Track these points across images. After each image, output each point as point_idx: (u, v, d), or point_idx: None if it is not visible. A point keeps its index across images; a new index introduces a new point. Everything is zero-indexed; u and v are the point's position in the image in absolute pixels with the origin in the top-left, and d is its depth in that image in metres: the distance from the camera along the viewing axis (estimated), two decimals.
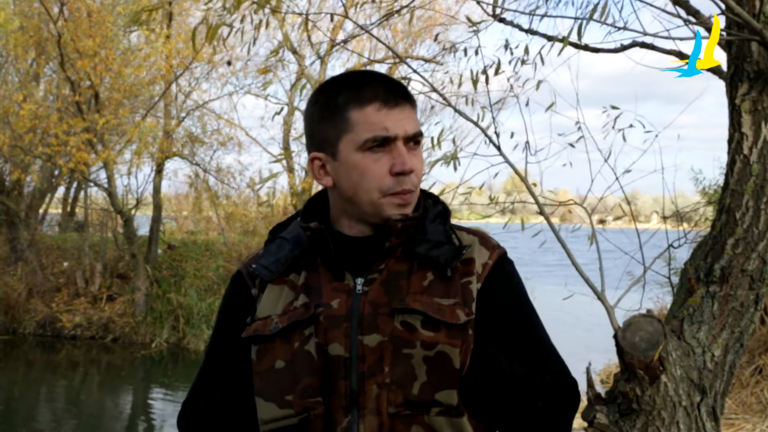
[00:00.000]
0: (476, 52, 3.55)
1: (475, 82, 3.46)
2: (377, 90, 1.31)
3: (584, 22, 2.84)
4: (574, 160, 3.57)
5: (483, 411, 1.30)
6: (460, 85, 3.94)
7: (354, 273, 1.32)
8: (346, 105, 1.31)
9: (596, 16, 2.78)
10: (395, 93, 1.32)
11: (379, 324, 1.26)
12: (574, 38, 2.97)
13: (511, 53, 3.50)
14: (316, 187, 1.59)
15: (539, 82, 3.53)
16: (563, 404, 1.36)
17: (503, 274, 1.38)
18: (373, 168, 1.30)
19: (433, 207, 1.40)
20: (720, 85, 2.41)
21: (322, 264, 1.34)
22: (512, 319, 1.37)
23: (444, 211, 1.41)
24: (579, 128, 3.41)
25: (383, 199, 1.30)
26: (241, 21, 3.12)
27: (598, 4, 2.76)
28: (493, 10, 3.23)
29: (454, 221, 1.45)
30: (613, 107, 3.52)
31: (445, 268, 1.31)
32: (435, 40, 13.97)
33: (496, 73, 3.45)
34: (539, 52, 3.48)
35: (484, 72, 3.45)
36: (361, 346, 1.25)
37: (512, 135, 3.42)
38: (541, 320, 1.43)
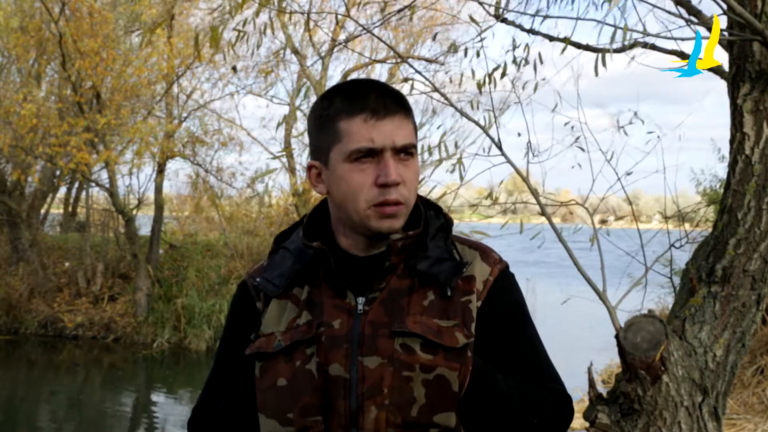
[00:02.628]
0: (477, 54, 3.55)
1: (480, 86, 3.46)
2: (367, 100, 1.30)
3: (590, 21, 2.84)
4: (577, 161, 3.57)
5: (480, 429, 1.32)
6: (460, 84, 3.94)
7: (356, 291, 1.32)
8: (337, 115, 1.31)
9: (591, 8, 2.78)
10: (386, 103, 1.31)
11: (378, 346, 1.27)
12: (564, 33, 2.98)
13: (514, 58, 3.50)
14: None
15: (537, 84, 3.54)
16: (558, 421, 1.38)
17: (503, 290, 1.38)
18: (359, 179, 1.30)
19: (434, 221, 1.40)
20: (719, 86, 2.41)
21: (324, 280, 1.35)
22: (510, 335, 1.37)
23: (446, 225, 1.40)
24: (573, 129, 3.42)
25: (369, 210, 1.30)
26: (244, 24, 3.13)
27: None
28: (496, 11, 3.23)
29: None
30: (635, 113, 3.54)
31: (445, 287, 1.31)
32: (434, 39, 14.00)
33: (503, 76, 3.45)
34: (539, 53, 3.49)
35: (490, 75, 3.46)
36: (361, 367, 1.26)
37: (519, 135, 3.42)
38: (539, 335, 1.43)
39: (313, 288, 1.35)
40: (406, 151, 1.31)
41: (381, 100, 1.31)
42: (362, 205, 1.30)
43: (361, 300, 1.31)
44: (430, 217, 1.40)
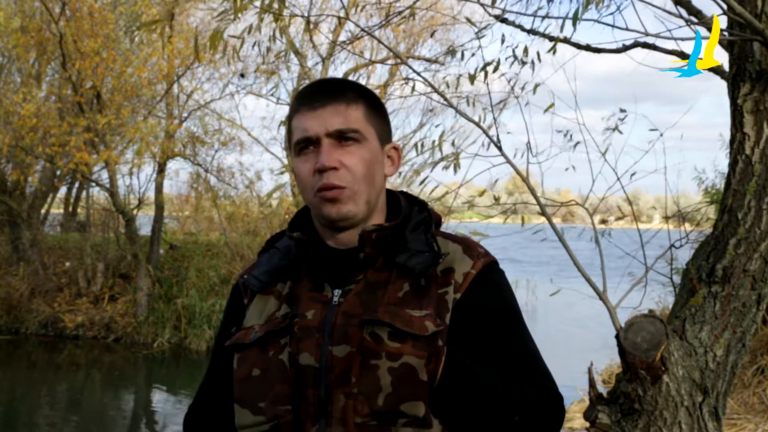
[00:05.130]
0: (473, 54, 3.56)
1: (472, 79, 3.46)
2: (306, 95, 1.37)
3: (580, 11, 2.84)
4: (576, 161, 3.57)
5: (457, 423, 1.30)
6: (457, 86, 3.95)
7: (334, 284, 1.34)
8: (290, 115, 1.40)
9: (592, 7, 2.79)
10: (322, 94, 1.35)
11: (349, 335, 1.27)
12: (565, 33, 2.98)
13: (514, 54, 3.50)
14: None
15: (536, 86, 3.54)
16: (544, 419, 1.35)
17: (487, 284, 1.35)
18: (303, 168, 1.35)
19: (417, 215, 1.41)
20: (717, 86, 2.41)
21: (305, 274, 1.37)
22: (495, 330, 1.35)
23: (428, 219, 1.41)
24: (579, 129, 3.41)
25: (315, 198, 1.34)
26: (250, 32, 3.14)
27: None
28: (492, 5, 3.23)
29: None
30: (622, 110, 3.53)
31: (419, 277, 1.31)
32: (432, 36, 13.99)
33: (495, 70, 3.46)
34: (537, 52, 3.50)
35: (483, 69, 3.46)
36: (330, 356, 1.27)
37: (509, 133, 3.43)
38: (529, 332, 1.40)
39: (295, 283, 1.38)
40: (346, 137, 1.33)
41: (319, 92, 1.36)
42: (310, 193, 1.35)
43: (337, 292, 1.33)
44: (413, 212, 1.41)
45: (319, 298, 1.33)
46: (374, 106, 1.39)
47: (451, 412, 1.29)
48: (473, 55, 3.55)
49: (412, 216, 1.40)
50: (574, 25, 2.89)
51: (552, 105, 3.31)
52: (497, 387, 1.31)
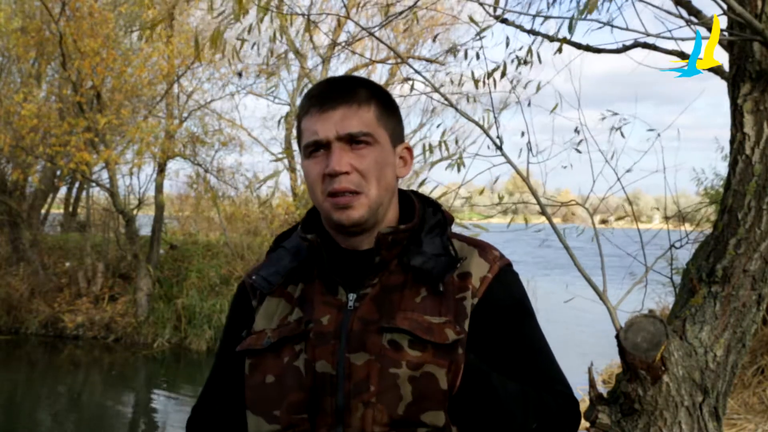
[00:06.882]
0: (477, 56, 3.56)
1: (477, 83, 3.47)
2: (317, 96, 1.33)
3: (575, 17, 2.83)
4: (576, 161, 3.57)
5: (475, 430, 1.29)
6: (460, 83, 3.95)
7: (348, 287, 1.31)
8: (299, 116, 1.36)
9: (586, 11, 2.79)
10: (333, 95, 1.31)
11: (366, 342, 1.25)
12: (565, 33, 2.99)
13: (517, 58, 3.51)
14: None
15: (539, 86, 3.54)
16: (562, 426, 1.34)
17: (503, 288, 1.34)
18: (313, 172, 1.31)
19: (432, 217, 1.38)
20: (714, 86, 2.42)
21: (317, 276, 1.34)
22: (511, 336, 1.33)
23: (443, 221, 1.38)
24: (577, 131, 3.42)
25: (326, 203, 1.31)
26: (249, 31, 3.14)
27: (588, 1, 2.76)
28: (494, 11, 3.23)
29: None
30: (614, 113, 3.54)
31: (437, 282, 1.29)
32: (434, 40, 14.00)
33: (503, 75, 3.46)
34: (537, 53, 3.50)
35: (490, 75, 3.46)
36: (347, 364, 1.24)
37: (522, 134, 3.41)
38: (544, 336, 1.39)
39: (307, 285, 1.35)
40: (357, 140, 1.30)
41: (328, 92, 1.32)
42: (320, 197, 1.32)
43: (352, 296, 1.30)
44: (427, 213, 1.38)
45: (334, 302, 1.30)
46: (386, 105, 1.36)
47: (469, 421, 1.27)
48: (477, 56, 3.54)
49: (426, 218, 1.38)
50: (570, 30, 2.89)
51: (556, 106, 3.31)
52: (515, 395, 1.29)
